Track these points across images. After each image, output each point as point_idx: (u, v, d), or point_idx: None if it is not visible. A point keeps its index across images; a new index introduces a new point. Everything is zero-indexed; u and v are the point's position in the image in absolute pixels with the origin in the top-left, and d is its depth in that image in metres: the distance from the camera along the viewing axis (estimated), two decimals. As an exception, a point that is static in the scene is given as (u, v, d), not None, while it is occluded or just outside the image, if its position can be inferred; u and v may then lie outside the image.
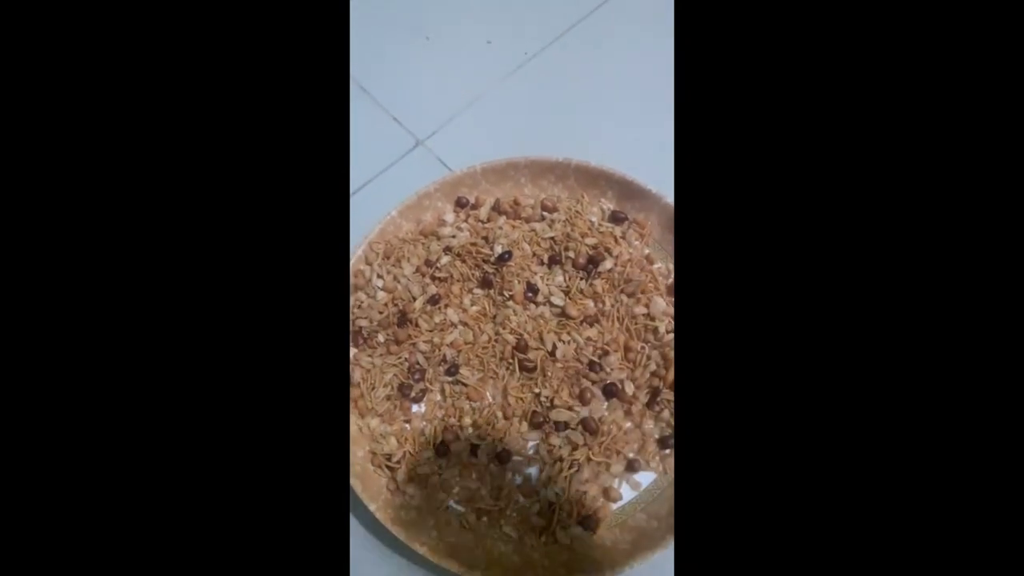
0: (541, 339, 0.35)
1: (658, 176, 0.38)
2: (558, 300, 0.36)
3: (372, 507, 0.30)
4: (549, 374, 0.34)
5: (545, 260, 0.37)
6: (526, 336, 0.35)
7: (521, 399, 0.34)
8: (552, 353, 0.34)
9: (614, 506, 0.31)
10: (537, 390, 0.34)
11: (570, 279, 0.36)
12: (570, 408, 0.33)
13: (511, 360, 0.35)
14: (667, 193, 0.37)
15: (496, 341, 0.35)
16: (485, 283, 0.37)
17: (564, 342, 0.35)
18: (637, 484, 0.32)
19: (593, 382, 0.34)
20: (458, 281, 0.37)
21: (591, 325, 0.35)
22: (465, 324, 0.36)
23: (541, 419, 0.33)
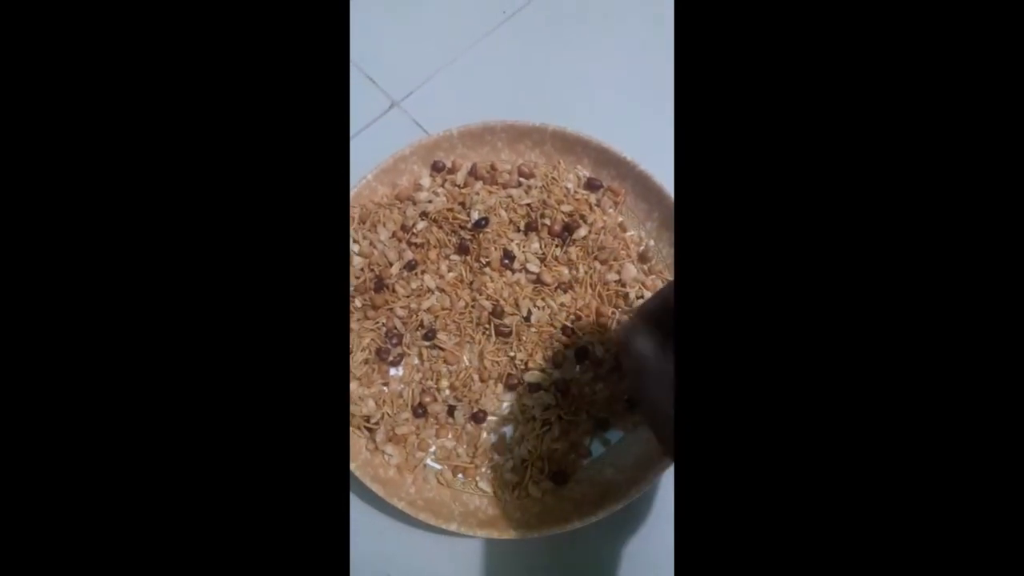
0: (517, 305, 0.36)
1: (634, 142, 0.38)
2: (534, 267, 0.36)
3: (352, 466, 0.31)
4: (524, 338, 0.35)
5: (522, 227, 0.37)
6: (502, 302, 0.36)
7: (496, 362, 0.35)
8: (527, 318, 0.35)
9: (584, 462, 0.33)
10: (512, 353, 0.35)
11: (545, 246, 0.37)
12: (543, 370, 0.34)
13: (487, 325, 0.36)
14: (641, 160, 0.37)
15: (473, 307, 0.36)
16: (462, 249, 0.37)
17: (539, 308, 0.36)
18: (606, 441, 0.34)
19: (565, 346, 0.35)
20: (435, 247, 0.37)
21: (565, 291, 0.36)
22: (442, 290, 0.36)
23: (515, 381, 0.34)
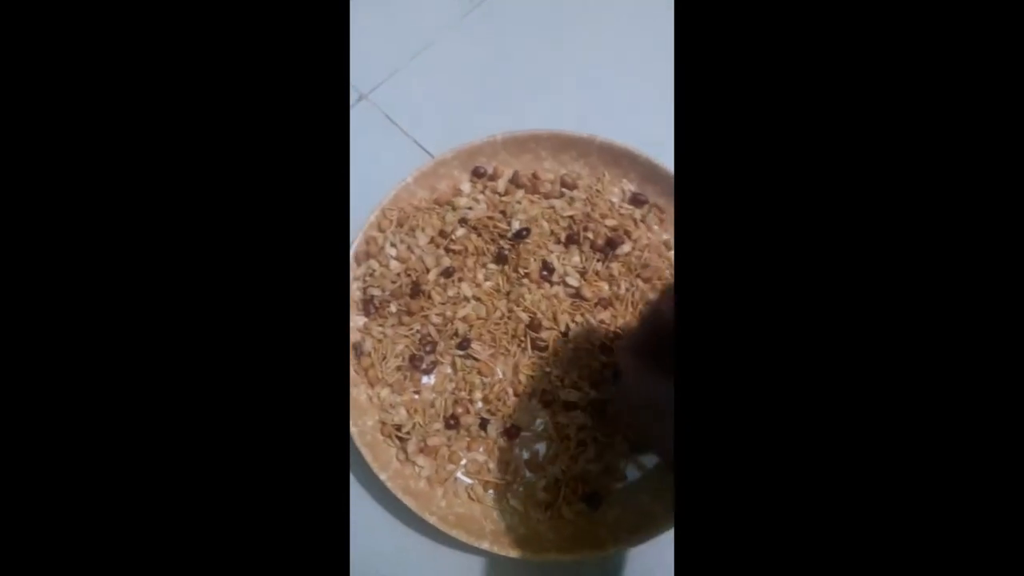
0: (555, 319, 0.35)
1: (613, 132, 0.37)
2: (573, 281, 0.36)
3: (383, 477, 0.31)
4: (560, 354, 0.34)
5: (562, 239, 0.37)
6: (539, 315, 0.35)
7: (532, 377, 0.34)
8: (565, 334, 0.35)
9: (618, 485, 0.33)
10: (548, 369, 0.34)
11: (586, 260, 0.36)
12: (579, 389, 0.34)
13: (523, 338, 0.35)
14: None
15: (509, 318, 0.35)
16: (500, 259, 0.36)
17: (577, 323, 0.35)
18: (642, 465, 0.33)
19: (603, 365, 0.34)
20: (473, 255, 0.36)
21: (605, 308, 0.35)
22: (478, 299, 0.36)
23: (550, 398, 0.34)
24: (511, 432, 0.33)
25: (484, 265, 0.37)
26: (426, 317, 0.35)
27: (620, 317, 0.35)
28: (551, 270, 0.36)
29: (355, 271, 0.36)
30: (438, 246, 0.37)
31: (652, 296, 0.35)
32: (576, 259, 0.36)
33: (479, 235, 0.37)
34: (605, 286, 0.36)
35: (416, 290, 0.35)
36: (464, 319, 0.35)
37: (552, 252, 0.36)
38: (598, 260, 0.36)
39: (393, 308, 0.35)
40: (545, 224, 0.37)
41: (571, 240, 0.37)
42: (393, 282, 0.36)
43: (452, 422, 0.33)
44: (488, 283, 0.36)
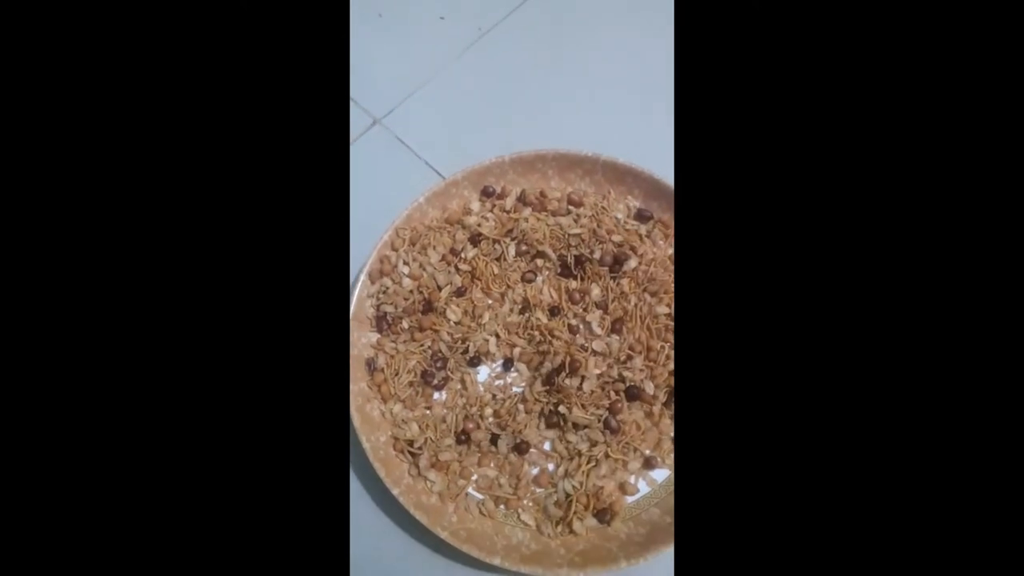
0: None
1: (616, 152, 0.38)
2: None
3: (395, 492, 0.31)
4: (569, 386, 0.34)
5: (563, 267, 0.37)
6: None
7: (540, 401, 0.34)
8: (580, 385, 0.34)
9: (629, 499, 0.32)
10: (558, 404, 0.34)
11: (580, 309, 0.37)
12: (589, 407, 0.34)
13: (536, 373, 0.35)
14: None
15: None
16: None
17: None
18: (652, 480, 0.33)
19: (618, 392, 0.34)
20: (479, 279, 0.37)
21: (617, 333, 0.35)
22: (497, 335, 0.36)
23: (557, 419, 0.33)
24: (521, 448, 0.33)
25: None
26: (437, 333, 0.36)
27: (631, 333, 0.35)
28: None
29: (369, 289, 0.37)
30: (449, 264, 0.38)
31: (660, 310, 0.35)
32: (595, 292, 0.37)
33: (485, 256, 0.37)
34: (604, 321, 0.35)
35: (428, 307, 0.36)
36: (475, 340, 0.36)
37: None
38: (611, 277, 0.36)
39: (405, 324, 0.36)
40: (551, 252, 0.37)
41: (567, 273, 0.37)
42: (406, 299, 0.37)
43: (463, 437, 0.34)
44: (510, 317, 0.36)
